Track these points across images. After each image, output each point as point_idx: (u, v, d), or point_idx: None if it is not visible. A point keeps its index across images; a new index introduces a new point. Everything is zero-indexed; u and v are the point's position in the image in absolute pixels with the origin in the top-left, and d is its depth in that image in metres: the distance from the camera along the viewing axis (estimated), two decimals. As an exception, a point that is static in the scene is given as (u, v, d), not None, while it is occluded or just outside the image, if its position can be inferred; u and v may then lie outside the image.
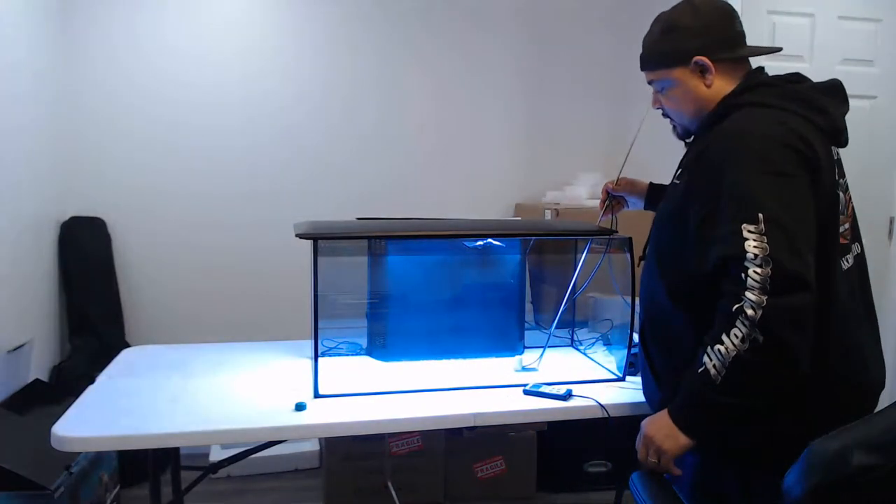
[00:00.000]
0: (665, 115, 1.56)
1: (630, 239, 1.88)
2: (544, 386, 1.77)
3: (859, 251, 1.44)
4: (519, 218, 3.41)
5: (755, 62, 1.49)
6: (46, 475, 2.09)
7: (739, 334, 1.21)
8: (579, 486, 2.99)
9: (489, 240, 2.04)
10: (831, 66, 2.91)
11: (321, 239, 1.69)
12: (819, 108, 1.35)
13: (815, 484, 0.99)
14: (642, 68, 1.54)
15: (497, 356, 2.06)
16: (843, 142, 1.40)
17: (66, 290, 3.01)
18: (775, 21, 2.88)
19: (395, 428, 1.91)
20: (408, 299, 2.05)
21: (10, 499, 2.02)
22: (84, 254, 3.01)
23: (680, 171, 1.47)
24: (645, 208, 1.91)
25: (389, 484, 2.77)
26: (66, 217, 3.03)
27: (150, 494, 1.71)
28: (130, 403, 1.66)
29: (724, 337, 1.23)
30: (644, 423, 1.38)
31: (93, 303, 3.01)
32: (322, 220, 2.04)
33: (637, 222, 2.73)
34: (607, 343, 2.09)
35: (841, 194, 1.38)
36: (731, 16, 1.46)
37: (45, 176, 2.86)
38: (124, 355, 2.10)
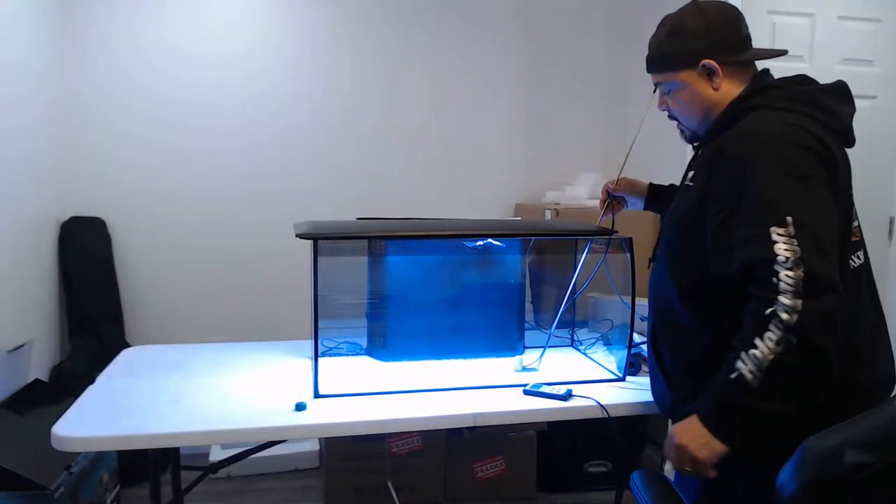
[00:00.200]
0: (671, 116, 1.56)
1: (630, 239, 1.89)
2: (544, 386, 1.77)
3: (864, 249, 1.45)
4: (519, 218, 3.41)
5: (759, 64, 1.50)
6: (46, 475, 2.09)
7: (774, 338, 1.21)
8: (579, 486, 2.99)
9: (489, 240, 2.04)
10: (831, 66, 2.91)
11: (321, 239, 1.69)
12: (827, 109, 1.36)
13: (809, 481, 0.99)
14: (649, 70, 1.54)
15: (497, 356, 2.07)
16: (850, 142, 1.41)
17: (66, 290, 3.01)
18: (775, 21, 2.88)
19: (395, 428, 1.92)
20: (408, 299, 2.05)
21: (10, 499, 2.02)
22: (84, 254, 3.01)
23: (692, 173, 1.46)
24: (644, 209, 1.91)
25: (389, 484, 2.77)
26: (66, 217, 3.03)
27: (150, 494, 1.71)
28: (130, 403, 1.66)
29: (757, 341, 1.22)
30: (673, 431, 1.35)
31: (93, 303, 3.01)
32: (322, 220, 2.04)
33: (637, 222, 2.73)
34: (607, 343, 2.09)
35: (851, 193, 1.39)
36: (738, 19, 1.46)
37: (45, 176, 2.86)
38: (124, 355, 2.10)
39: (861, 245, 1.42)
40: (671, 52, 1.47)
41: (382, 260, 2.04)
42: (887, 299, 1.47)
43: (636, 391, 1.81)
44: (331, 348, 2.12)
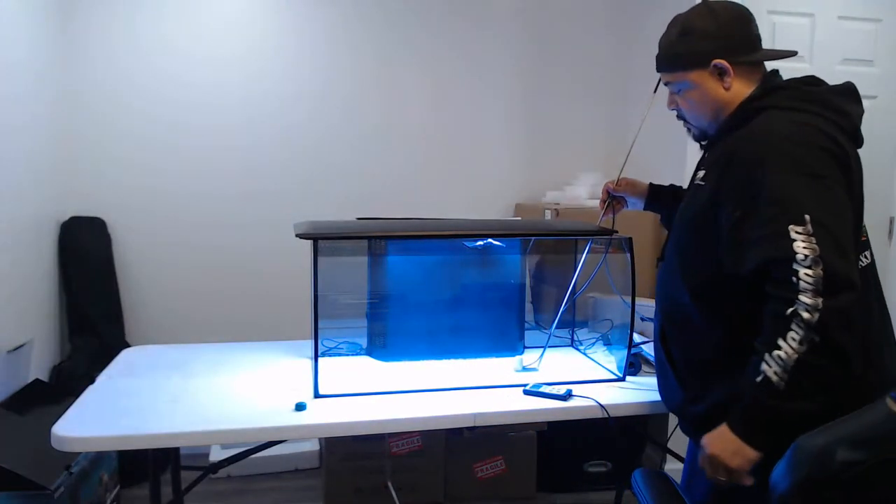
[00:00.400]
0: (680, 116, 1.57)
1: (630, 239, 1.89)
2: (544, 386, 1.77)
3: (870, 249, 1.46)
4: (519, 218, 3.40)
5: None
6: (46, 475, 2.09)
7: (797, 337, 1.20)
8: (579, 486, 2.99)
9: (489, 240, 2.04)
10: (831, 66, 2.91)
11: (321, 239, 1.69)
12: (838, 110, 1.36)
13: (801, 478, 1.00)
14: (658, 69, 1.54)
15: (497, 356, 2.07)
16: (859, 143, 1.41)
17: (66, 290, 3.01)
18: (775, 21, 2.88)
19: (395, 428, 1.92)
20: (408, 299, 2.05)
21: (10, 499, 2.02)
22: (84, 254, 3.01)
23: (703, 172, 1.46)
24: (645, 209, 1.91)
25: (389, 484, 2.77)
26: (66, 217, 3.03)
27: (150, 494, 1.71)
28: (130, 403, 1.66)
29: (780, 342, 1.22)
30: (705, 442, 1.34)
31: (93, 303, 3.01)
32: (322, 220, 2.04)
33: (637, 222, 2.73)
34: (607, 343, 2.09)
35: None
36: (749, 19, 1.47)
37: (45, 176, 2.85)
38: (124, 355, 2.10)
39: (868, 245, 1.43)
40: (682, 51, 1.47)
41: (382, 260, 2.04)
42: (888, 299, 1.48)
43: (636, 391, 1.82)
44: (331, 348, 2.12)
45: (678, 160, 2.96)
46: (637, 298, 1.88)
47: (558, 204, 3.23)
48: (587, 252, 2.01)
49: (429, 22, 3.35)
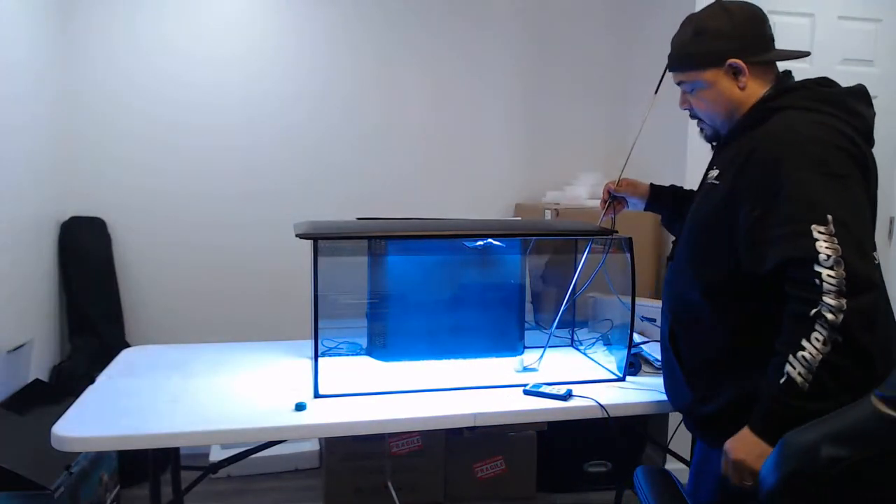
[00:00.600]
0: (693, 115, 1.57)
1: (630, 239, 1.89)
2: (544, 386, 1.77)
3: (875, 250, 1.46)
4: (519, 218, 3.40)
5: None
6: (46, 475, 2.09)
7: (821, 338, 1.21)
8: (579, 486, 2.99)
9: (489, 240, 2.04)
10: (831, 66, 2.91)
11: (321, 239, 1.69)
12: (853, 111, 1.37)
13: (788, 474, 1.01)
14: (671, 69, 1.54)
15: (497, 356, 2.07)
16: (872, 144, 1.42)
17: (66, 290, 3.01)
18: (775, 21, 2.85)
19: (395, 428, 1.91)
20: (408, 299, 2.05)
21: (10, 499, 2.02)
22: (84, 254, 3.01)
23: (717, 172, 1.47)
24: (645, 209, 1.91)
25: (389, 484, 2.77)
26: (66, 217, 3.03)
27: (150, 494, 1.71)
28: (130, 403, 1.66)
29: (804, 343, 1.22)
30: (728, 447, 1.33)
31: (93, 303, 3.01)
32: (322, 220, 2.04)
33: (637, 223, 2.74)
34: (607, 343, 2.09)
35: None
36: (763, 19, 1.47)
37: (45, 176, 2.85)
38: (124, 355, 2.10)
39: (875, 246, 1.43)
40: (697, 51, 1.47)
41: (382, 260, 2.04)
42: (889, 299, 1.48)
43: (636, 391, 1.82)
44: (331, 348, 2.12)
45: (678, 160, 2.96)
46: (637, 298, 1.88)
47: (558, 204, 3.23)
48: (587, 252, 2.01)
49: (429, 22, 3.35)
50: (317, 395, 1.71)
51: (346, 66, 3.28)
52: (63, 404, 1.72)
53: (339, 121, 3.30)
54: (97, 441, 1.54)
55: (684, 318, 1.52)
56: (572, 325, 2.26)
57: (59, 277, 3.00)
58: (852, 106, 1.38)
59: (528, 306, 2.22)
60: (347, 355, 2.12)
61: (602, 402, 1.70)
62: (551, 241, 2.33)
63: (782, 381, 1.24)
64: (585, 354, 2.17)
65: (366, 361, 2.07)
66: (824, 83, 1.42)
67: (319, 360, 1.73)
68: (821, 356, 1.21)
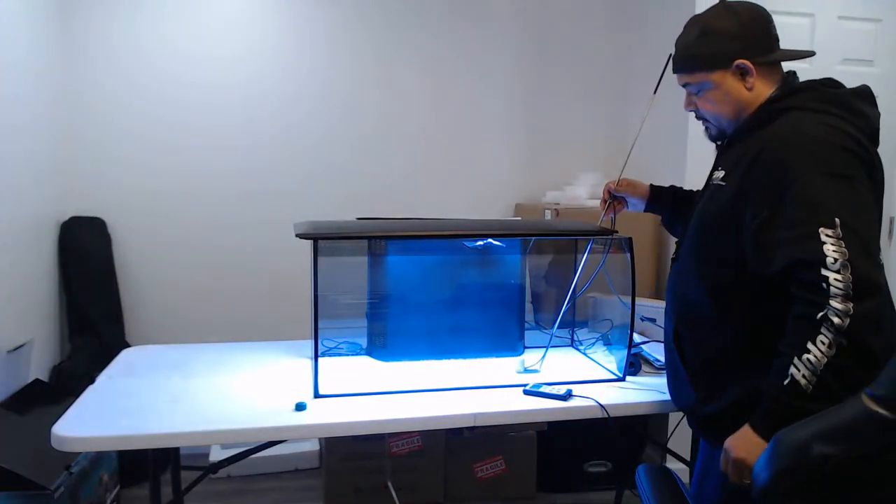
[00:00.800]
0: (698, 116, 1.57)
1: (630, 239, 1.89)
2: (544, 386, 1.77)
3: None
4: (519, 218, 3.40)
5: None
6: (46, 475, 2.09)
7: (826, 341, 1.21)
8: (579, 486, 2.99)
9: (489, 240, 2.04)
10: (831, 66, 2.91)
11: (321, 239, 1.69)
12: (858, 112, 1.37)
13: (779, 471, 1.02)
14: (677, 71, 1.54)
15: (497, 356, 2.07)
16: (877, 145, 1.41)
17: (66, 290, 3.01)
18: (775, 21, 2.88)
19: (395, 428, 1.91)
20: (408, 299, 2.05)
21: (10, 499, 2.02)
22: (84, 254, 3.01)
23: (723, 173, 1.46)
24: (646, 210, 1.91)
25: (389, 484, 2.77)
26: (66, 217, 3.03)
27: (150, 494, 1.71)
28: (130, 403, 1.66)
29: (810, 345, 1.22)
30: (729, 446, 1.34)
31: (93, 303, 3.01)
32: (322, 220, 2.04)
33: (637, 223, 2.74)
34: (607, 343, 2.09)
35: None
36: (768, 20, 1.47)
37: (45, 176, 2.85)
38: (124, 355, 2.10)
39: (880, 247, 1.43)
40: (703, 52, 1.47)
41: (382, 260, 2.04)
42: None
43: (636, 391, 1.82)
44: (331, 348, 2.12)
45: (678, 160, 2.96)
46: (637, 298, 1.88)
47: (558, 204, 3.23)
48: (588, 252, 2.01)
49: (429, 22, 3.35)
50: (317, 395, 1.71)
51: (346, 66, 3.28)
52: (63, 404, 1.72)
53: (339, 121, 3.30)
54: (97, 441, 1.54)
55: (688, 319, 1.52)
56: (572, 325, 2.26)
57: (59, 277, 3.00)
58: (857, 107, 1.38)
59: (528, 306, 2.22)
60: (347, 355, 2.12)
61: (602, 402, 1.70)
62: (551, 241, 2.33)
63: (786, 382, 1.24)
64: (585, 354, 2.17)
65: (366, 361, 2.07)
66: (830, 84, 1.42)
67: (319, 360, 1.73)
68: (826, 359, 1.21)
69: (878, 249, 1.30)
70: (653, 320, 2.31)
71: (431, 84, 3.38)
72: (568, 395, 1.73)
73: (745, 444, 1.30)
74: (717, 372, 1.46)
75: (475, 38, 3.40)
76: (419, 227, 1.99)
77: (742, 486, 1.32)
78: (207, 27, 3.14)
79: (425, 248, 2.08)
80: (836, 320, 1.20)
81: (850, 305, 1.20)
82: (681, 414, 1.70)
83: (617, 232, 1.91)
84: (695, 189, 1.74)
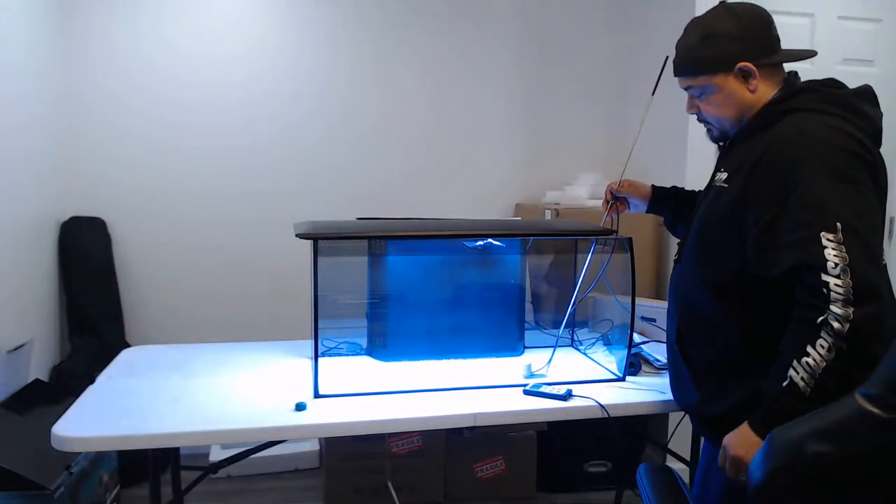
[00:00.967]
0: (701, 119, 1.56)
1: (630, 239, 1.89)
2: (544, 386, 1.77)
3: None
4: (519, 218, 3.40)
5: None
6: (46, 475, 2.09)
7: (826, 345, 1.22)
8: (579, 486, 2.99)
9: (489, 240, 2.04)
10: (831, 66, 2.91)
11: (321, 239, 1.69)
12: (861, 113, 1.37)
13: (773, 469, 1.02)
14: (678, 74, 1.53)
15: (497, 356, 2.07)
16: (879, 145, 1.41)
17: (66, 290, 3.01)
18: (775, 21, 2.88)
19: (395, 428, 1.91)
20: (408, 299, 2.05)
21: (10, 499, 2.02)
22: (84, 254, 3.01)
23: (726, 175, 1.46)
24: (647, 211, 1.91)
25: (389, 484, 2.77)
26: (66, 217, 3.03)
27: (150, 494, 1.70)
28: (130, 403, 1.66)
29: (809, 349, 1.23)
30: (727, 443, 1.35)
31: (93, 303, 3.01)
32: (322, 220, 2.04)
33: (637, 223, 2.74)
34: (607, 343, 2.09)
35: None
36: (769, 21, 1.47)
37: (45, 176, 2.85)
38: (124, 355, 2.10)
39: (882, 249, 1.43)
40: (705, 55, 1.46)
41: (382, 260, 2.04)
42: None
43: (636, 391, 1.82)
44: (331, 348, 2.12)
45: (678, 160, 2.96)
46: (637, 298, 1.88)
47: (558, 204, 3.23)
48: (591, 253, 2.01)
49: (429, 22, 3.35)
50: (317, 395, 1.71)
51: (346, 66, 3.28)
52: (63, 404, 1.72)
53: (339, 121, 3.30)
54: (97, 441, 1.54)
55: (691, 319, 1.52)
56: (572, 325, 2.26)
57: (59, 277, 3.00)
58: (860, 108, 1.38)
59: (528, 306, 2.22)
60: (347, 355, 2.12)
61: (602, 402, 1.70)
62: (551, 241, 2.33)
63: (785, 384, 1.25)
64: (585, 354, 2.17)
65: (366, 361, 2.07)
66: (833, 84, 1.42)
67: (319, 360, 1.73)
68: (825, 363, 1.22)
69: (882, 251, 1.30)
70: (653, 320, 2.31)
71: (431, 84, 3.38)
72: (568, 395, 1.73)
73: (742, 441, 1.31)
74: (720, 372, 1.46)
75: (475, 38, 3.40)
76: (419, 227, 1.99)
77: (739, 482, 1.33)
78: (207, 27, 3.14)
79: (425, 248, 2.08)
80: (836, 325, 1.21)
81: (851, 310, 1.20)
82: (681, 414, 1.71)
83: (617, 232, 1.91)
84: (697, 189, 1.74)
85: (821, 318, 1.22)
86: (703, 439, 1.70)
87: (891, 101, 3.00)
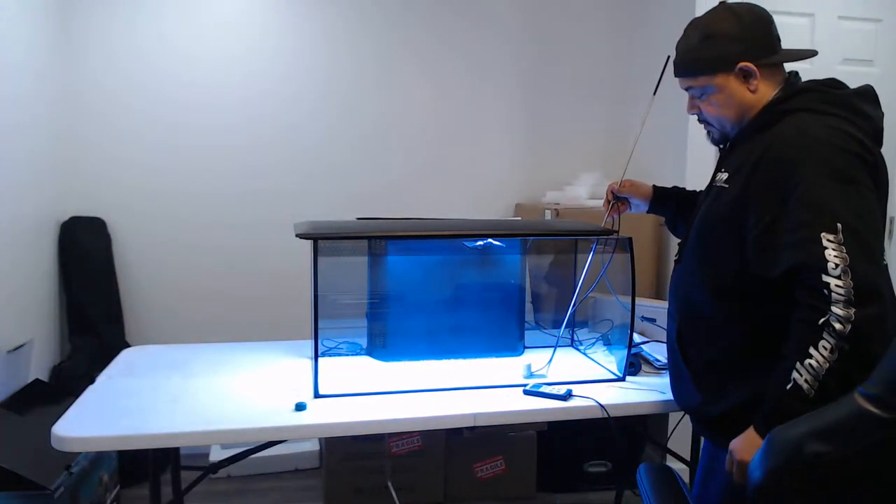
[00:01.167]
0: (701, 120, 1.56)
1: (630, 239, 1.89)
2: (544, 386, 1.77)
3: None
4: (519, 218, 3.40)
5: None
6: (46, 475, 2.09)
7: (828, 346, 1.22)
8: (579, 486, 2.99)
9: (489, 240, 2.04)
10: (831, 66, 2.91)
11: (321, 239, 1.69)
12: (862, 113, 1.37)
13: (773, 468, 1.03)
14: (679, 75, 1.53)
15: (497, 356, 2.07)
16: (880, 145, 1.41)
17: (66, 290, 3.01)
18: (775, 21, 2.88)
19: (395, 428, 1.91)
20: (408, 299, 2.05)
21: (10, 499, 2.02)
22: (84, 254, 3.01)
23: (726, 175, 1.46)
24: (649, 211, 1.91)
25: (389, 484, 2.77)
26: (66, 217, 3.03)
27: (150, 494, 1.70)
28: (130, 403, 1.66)
29: (812, 350, 1.23)
30: (733, 448, 1.35)
31: (93, 303, 3.01)
32: (322, 220, 2.04)
33: (638, 223, 2.73)
34: (607, 343, 2.09)
35: None
36: (769, 21, 1.47)
37: (45, 176, 2.85)
38: (124, 355, 2.10)
39: (883, 249, 1.43)
40: (706, 55, 1.46)
41: (382, 260, 2.04)
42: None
43: (636, 391, 1.82)
44: (331, 348, 2.12)
45: (678, 160, 2.96)
46: (637, 298, 1.88)
47: (558, 204, 3.23)
48: (592, 253, 2.01)
49: (429, 22, 3.35)
50: (317, 395, 1.71)
51: (346, 66, 3.28)
52: (63, 404, 1.72)
53: (339, 121, 3.30)
54: (97, 441, 1.54)
55: (691, 320, 1.52)
56: (572, 325, 2.26)
57: (59, 277, 3.00)
58: (861, 108, 1.37)
59: (528, 306, 2.22)
60: (347, 355, 2.12)
61: (602, 402, 1.70)
62: (551, 241, 2.33)
63: (789, 387, 1.25)
64: (585, 354, 2.17)
65: (366, 361, 2.07)
66: (833, 85, 1.42)
67: (319, 360, 1.73)
68: (828, 364, 1.22)
69: (882, 252, 1.30)
70: (653, 320, 2.31)
71: (431, 84, 3.38)
72: (568, 395, 1.73)
73: (748, 446, 1.31)
74: (721, 373, 1.46)
75: (475, 38, 3.40)
76: (419, 227, 1.99)
77: (745, 485, 1.33)
78: (207, 27, 3.13)
79: (425, 248, 2.08)
80: (837, 326, 1.21)
81: (852, 311, 1.20)
82: (681, 414, 1.71)
83: (617, 232, 1.90)
84: (698, 190, 1.74)
85: (822, 320, 1.22)
86: (703, 439, 1.70)
87: (891, 101, 2.99)
